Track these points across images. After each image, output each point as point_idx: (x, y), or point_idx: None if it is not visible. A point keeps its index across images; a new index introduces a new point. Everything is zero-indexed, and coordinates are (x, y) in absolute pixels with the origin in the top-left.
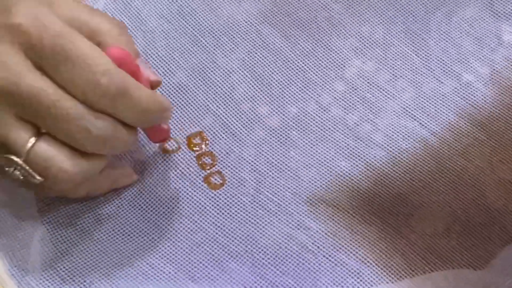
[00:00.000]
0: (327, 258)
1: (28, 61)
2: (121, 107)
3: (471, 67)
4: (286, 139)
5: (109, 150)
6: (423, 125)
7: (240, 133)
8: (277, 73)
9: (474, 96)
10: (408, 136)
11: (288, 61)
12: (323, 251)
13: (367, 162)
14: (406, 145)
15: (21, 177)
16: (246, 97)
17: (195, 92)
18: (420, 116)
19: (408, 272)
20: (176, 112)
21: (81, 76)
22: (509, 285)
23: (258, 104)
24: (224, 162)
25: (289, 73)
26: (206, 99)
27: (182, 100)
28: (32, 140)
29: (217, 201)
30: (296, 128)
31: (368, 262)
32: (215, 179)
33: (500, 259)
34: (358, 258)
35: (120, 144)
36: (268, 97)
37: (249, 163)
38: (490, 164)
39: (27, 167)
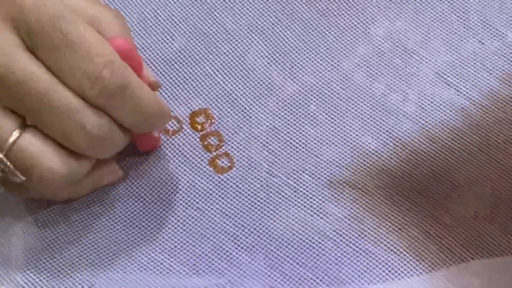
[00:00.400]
0: (350, 246)
1: (20, 41)
2: (120, 105)
3: None
4: (302, 113)
5: (100, 152)
6: (461, 92)
7: (250, 108)
8: (291, 37)
9: None
10: (444, 106)
11: (304, 22)
12: (345, 239)
13: (397, 137)
14: (442, 116)
15: (0, 174)
16: (257, 65)
17: (198, 60)
18: (457, 83)
19: (444, 261)
20: (177, 85)
21: (80, 66)
22: None
23: (270, 73)
24: (232, 143)
25: (305, 37)
26: (211, 68)
27: (183, 70)
28: (16, 132)
29: (225, 186)
30: (313, 100)
31: (398, 251)
32: (222, 162)
33: None
34: (385, 246)
35: (112, 147)
36: (281, 65)
37: (261, 142)
38: None
39: (8, 163)
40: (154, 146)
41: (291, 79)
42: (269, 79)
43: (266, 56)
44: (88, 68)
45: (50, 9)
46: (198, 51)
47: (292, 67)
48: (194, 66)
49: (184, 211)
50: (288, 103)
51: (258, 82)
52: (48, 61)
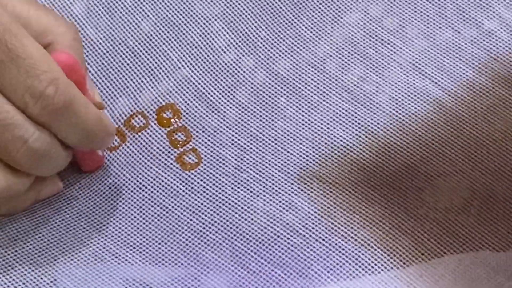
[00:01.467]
0: (320, 242)
1: None
2: (63, 123)
3: (494, 12)
4: (272, 106)
5: (41, 169)
6: (435, 82)
7: (219, 102)
8: (261, 27)
9: (497, 48)
10: (418, 97)
11: (275, 12)
12: (315, 234)
13: (369, 129)
14: (415, 107)
15: None
16: (225, 56)
17: (165, 50)
18: (432, 73)
19: (417, 255)
20: (143, 77)
21: (24, 81)
22: None
23: (240, 64)
24: (199, 138)
25: (276, 27)
26: (178, 59)
27: (150, 61)
28: None
29: (192, 183)
30: (283, 93)
31: (369, 246)
32: (189, 158)
33: None
34: (356, 241)
35: (53, 164)
36: (251, 56)
37: (229, 137)
38: None
39: None
40: (97, 165)
41: (261, 71)
42: (238, 70)
43: (235, 47)
44: (33, 85)
45: None
46: (165, 39)
47: (262, 58)
48: (161, 57)
49: (149, 208)
50: (257, 96)
51: (227, 74)
52: None
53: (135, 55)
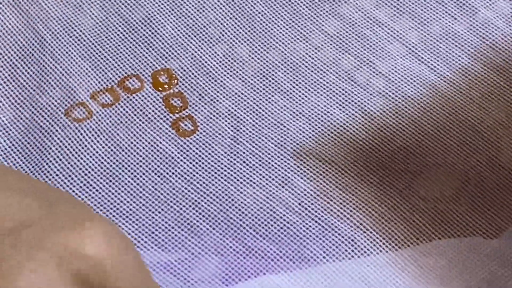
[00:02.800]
0: (315, 221)
1: None
2: None
3: (491, 0)
4: (269, 80)
5: None
6: (431, 68)
7: (216, 71)
8: (262, 8)
9: (493, 36)
10: (414, 81)
11: None
12: (311, 213)
13: (365, 111)
14: (412, 91)
15: None
16: (224, 33)
17: (161, 21)
18: (428, 58)
19: (411, 239)
20: (140, 46)
21: None
22: None
23: (237, 41)
24: (196, 106)
25: (274, 2)
26: (177, 33)
27: (144, 30)
28: None
29: (187, 150)
30: (282, 69)
31: (364, 228)
32: (185, 125)
33: None
34: (352, 223)
35: None
36: (249, 33)
37: (226, 107)
38: (509, 116)
39: None
40: None
41: (259, 48)
42: (236, 46)
43: (234, 23)
44: None
45: None
46: (161, 11)
47: (260, 33)
48: (156, 27)
49: (143, 173)
50: (255, 68)
51: (224, 45)
52: None
53: (129, 25)
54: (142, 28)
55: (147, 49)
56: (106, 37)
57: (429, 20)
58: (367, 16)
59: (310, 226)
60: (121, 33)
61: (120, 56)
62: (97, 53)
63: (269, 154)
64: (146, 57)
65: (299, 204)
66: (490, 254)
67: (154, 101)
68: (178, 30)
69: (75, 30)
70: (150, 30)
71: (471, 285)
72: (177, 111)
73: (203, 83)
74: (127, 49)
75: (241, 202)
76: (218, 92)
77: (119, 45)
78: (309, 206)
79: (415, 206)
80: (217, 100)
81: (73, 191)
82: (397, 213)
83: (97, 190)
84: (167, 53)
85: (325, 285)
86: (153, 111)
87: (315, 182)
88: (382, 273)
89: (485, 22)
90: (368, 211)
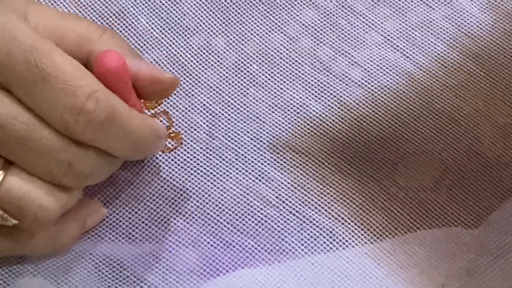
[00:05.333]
0: (293, 214)
1: None
2: (109, 136)
3: None
4: (244, 73)
5: (90, 183)
6: (407, 56)
7: (190, 65)
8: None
9: (468, 23)
10: (390, 70)
11: None
12: (288, 206)
13: (342, 101)
14: (387, 80)
15: None
16: (198, 25)
17: (134, 14)
18: (404, 47)
19: (390, 230)
20: None
21: (60, 100)
22: (508, 243)
23: (212, 34)
24: (171, 101)
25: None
26: (151, 26)
27: (117, 23)
28: (0, 174)
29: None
30: (257, 61)
31: (342, 219)
32: (161, 121)
33: (497, 216)
34: (330, 215)
35: (102, 176)
36: (224, 25)
37: (201, 102)
38: (486, 104)
39: None
40: None
41: (233, 35)
42: (211, 38)
43: (208, 15)
44: (70, 102)
45: (21, 42)
46: (134, 5)
47: (234, 23)
48: (130, 20)
49: (118, 173)
50: (229, 61)
51: (198, 38)
52: (26, 99)
53: (103, 20)
54: (116, 22)
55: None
56: None
57: (404, 9)
58: (342, 6)
59: (288, 219)
60: None
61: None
62: None
63: (245, 148)
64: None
65: (277, 197)
66: (469, 243)
67: None
68: (153, 23)
69: None
70: (124, 24)
71: (450, 273)
72: (152, 107)
73: (178, 77)
74: None
75: (218, 198)
76: (192, 85)
77: None
78: (286, 199)
79: (394, 196)
80: (192, 95)
81: None
82: (376, 204)
83: None
84: (141, 47)
85: (304, 277)
86: None
87: (292, 174)
88: (361, 264)
89: (461, 10)
90: (347, 202)
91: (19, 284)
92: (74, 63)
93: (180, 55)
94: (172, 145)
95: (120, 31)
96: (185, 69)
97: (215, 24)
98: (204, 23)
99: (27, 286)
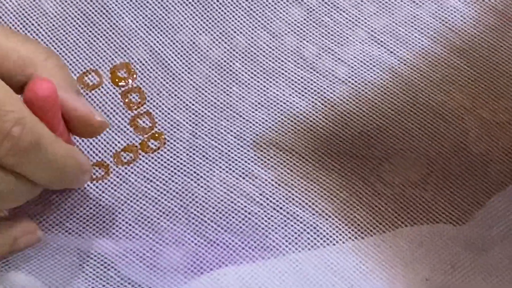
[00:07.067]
0: (277, 211)
1: None
2: (31, 163)
3: None
4: (228, 72)
5: (7, 205)
6: (391, 52)
7: (174, 64)
8: None
9: (452, 18)
10: (373, 65)
11: None
12: (272, 203)
13: (325, 98)
14: (371, 76)
15: None
16: (183, 22)
17: (119, 13)
18: (388, 42)
19: (375, 227)
20: (98, 39)
21: None
22: (497, 234)
23: (196, 31)
24: (154, 101)
25: None
26: (135, 24)
27: (103, 23)
28: None
29: (146, 148)
30: (238, 58)
31: (327, 215)
32: (143, 122)
33: (483, 211)
34: (314, 211)
35: (20, 201)
36: (208, 23)
37: (184, 101)
38: (470, 98)
39: None
40: None
41: (218, 38)
42: (195, 37)
43: (193, 13)
44: None
45: None
46: (119, 4)
47: (219, 25)
48: (115, 19)
49: (101, 175)
50: (212, 61)
51: (183, 39)
52: None
53: (87, 18)
54: (100, 20)
55: (106, 42)
56: (64, 31)
57: (389, 5)
58: (326, 3)
59: (272, 216)
60: (79, 26)
61: (78, 51)
62: (55, 48)
63: (228, 146)
64: (104, 51)
65: (260, 194)
66: (454, 237)
67: (112, 98)
68: (137, 21)
69: (32, 25)
70: (108, 22)
71: (435, 267)
72: (135, 107)
73: (161, 77)
74: (85, 42)
75: (202, 197)
76: (175, 86)
77: (77, 39)
78: (270, 196)
79: (380, 193)
80: (174, 94)
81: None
82: (361, 200)
83: (51, 196)
84: (125, 45)
85: (288, 274)
86: (111, 108)
87: (276, 171)
88: (346, 259)
89: (445, 5)
90: (331, 198)
91: (4, 279)
92: (5, 88)
93: (163, 54)
94: (155, 146)
95: (104, 30)
96: (168, 69)
97: (198, 22)
98: (187, 21)
99: (13, 281)
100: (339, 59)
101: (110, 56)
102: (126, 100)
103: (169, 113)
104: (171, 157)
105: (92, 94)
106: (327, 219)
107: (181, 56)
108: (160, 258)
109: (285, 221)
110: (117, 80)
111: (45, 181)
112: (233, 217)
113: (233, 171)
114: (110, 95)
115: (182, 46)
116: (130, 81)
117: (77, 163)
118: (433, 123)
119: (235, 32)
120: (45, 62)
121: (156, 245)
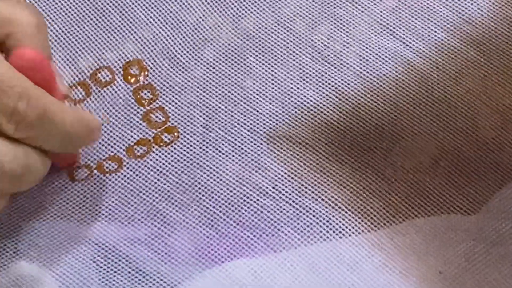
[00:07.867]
0: (289, 204)
1: None
2: (42, 134)
3: None
4: (240, 65)
5: (19, 186)
6: (406, 44)
7: (186, 60)
8: None
9: (468, 10)
10: (388, 58)
11: None
12: (285, 196)
13: (339, 90)
14: (385, 68)
15: None
16: (194, 14)
17: (132, 8)
18: (402, 34)
19: (388, 218)
20: (110, 33)
21: None
22: (508, 230)
23: (207, 22)
24: (166, 96)
25: None
26: (146, 17)
27: (116, 18)
28: None
29: (159, 142)
30: (252, 51)
31: (339, 208)
32: (156, 117)
33: (496, 201)
34: (327, 203)
35: (33, 178)
36: (219, 13)
37: (197, 96)
38: (484, 88)
39: None
40: (73, 161)
41: (228, 29)
42: (205, 28)
43: (203, 4)
44: (2, 103)
45: None
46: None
47: (230, 15)
48: (128, 14)
49: (115, 168)
50: (225, 55)
51: (194, 32)
52: None
53: (101, 13)
54: (114, 16)
55: (120, 38)
56: (79, 27)
57: None
58: None
59: (284, 209)
60: (94, 22)
61: (92, 47)
62: (69, 44)
63: (242, 139)
64: (118, 47)
65: (273, 187)
66: (467, 230)
67: (124, 95)
68: (150, 17)
69: (46, 20)
70: (122, 18)
71: (448, 260)
72: (146, 103)
73: (173, 73)
74: (99, 38)
75: (214, 190)
76: (187, 81)
77: (91, 35)
78: (283, 189)
79: (390, 183)
80: (187, 89)
81: (45, 192)
82: (372, 192)
83: (67, 188)
84: (139, 42)
85: (300, 267)
86: (123, 105)
87: (289, 164)
88: (358, 252)
89: None
90: (343, 191)
91: (13, 270)
92: (4, 64)
93: (176, 50)
94: (169, 139)
95: (118, 26)
96: (180, 65)
97: (209, 17)
98: (199, 16)
99: (22, 272)
100: (354, 52)
101: (123, 52)
102: (138, 97)
103: (182, 108)
104: (184, 150)
105: (104, 91)
106: (339, 212)
107: (193, 51)
108: (172, 250)
109: (297, 214)
110: (129, 77)
111: (58, 148)
112: (245, 210)
113: (246, 164)
114: (122, 93)
115: (193, 42)
116: (141, 78)
117: (86, 125)
118: (445, 113)
119: (250, 27)
120: (23, 21)
121: (168, 238)
